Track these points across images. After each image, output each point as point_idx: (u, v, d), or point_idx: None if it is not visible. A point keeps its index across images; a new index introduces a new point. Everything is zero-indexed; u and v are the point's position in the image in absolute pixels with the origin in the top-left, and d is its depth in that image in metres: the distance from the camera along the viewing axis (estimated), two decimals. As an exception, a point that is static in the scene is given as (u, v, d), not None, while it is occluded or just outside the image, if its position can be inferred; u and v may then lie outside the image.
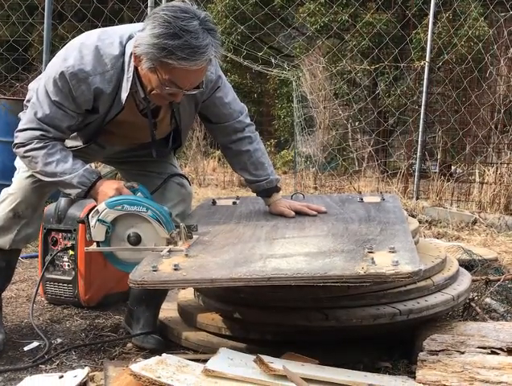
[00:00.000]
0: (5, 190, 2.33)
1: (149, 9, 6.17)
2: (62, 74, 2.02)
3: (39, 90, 2.09)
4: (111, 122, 2.17)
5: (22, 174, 2.28)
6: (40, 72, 5.93)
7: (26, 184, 2.26)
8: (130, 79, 2.04)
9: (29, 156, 2.10)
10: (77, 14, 7.71)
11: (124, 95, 2.06)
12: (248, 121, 2.36)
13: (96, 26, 6.61)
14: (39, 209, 2.36)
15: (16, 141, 2.12)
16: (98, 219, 2.02)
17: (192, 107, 2.26)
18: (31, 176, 2.24)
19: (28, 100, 2.26)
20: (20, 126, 2.12)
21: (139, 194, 2.09)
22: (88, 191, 2.09)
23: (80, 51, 2.04)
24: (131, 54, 2.02)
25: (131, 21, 6.99)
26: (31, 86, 2.31)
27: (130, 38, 2.06)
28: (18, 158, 2.34)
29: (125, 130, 2.24)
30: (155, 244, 2.03)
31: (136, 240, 2.04)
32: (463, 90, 7.20)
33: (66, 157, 2.09)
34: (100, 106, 2.10)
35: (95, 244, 2.07)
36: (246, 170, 2.36)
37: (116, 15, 6.94)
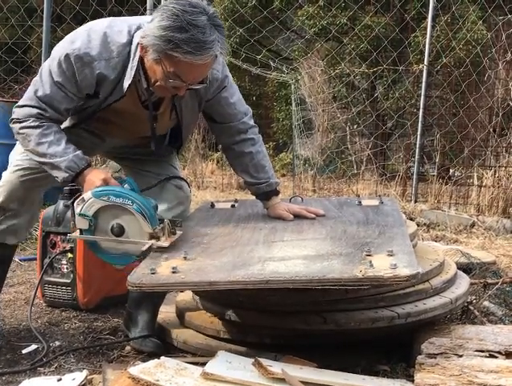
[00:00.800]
0: None
1: (148, 12, 6.16)
2: (67, 56, 2.03)
3: (43, 69, 2.10)
4: (111, 110, 2.16)
5: (11, 168, 2.30)
6: (39, 75, 5.94)
7: (14, 178, 2.27)
8: (135, 68, 2.05)
9: (23, 133, 2.11)
10: (76, 16, 7.71)
11: (126, 83, 2.07)
12: (252, 122, 2.38)
13: (95, 29, 6.64)
14: (27, 202, 2.34)
15: (13, 116, 2.13)
16: (80, 214, 2.02)
17: (195, 104, 2.26)
18: (19, 170, 2.26)
19: None
20: (19, 102, 2.13)
21: (126, 185, 2.09)
22: (76, 177, 2.09)
23: (88, 35, 2.05)
24: (138, 43, 2.03)
25: (130, 24, 7.00)
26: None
27: (138, 28, 2.07)
28: (11, 153, 2.35)
29: (125, 121, 2.24)
30: (138, 237, 2.02)
31: (119, 231, 2.04)
32: (461, 93, 7.22)
33: (59, 140, 2.09)
34: (101, 91, 2.10)
35: (78, 231, 2.07)
36: (247, 172, 2.37)
37: (115, 18, 6.93)
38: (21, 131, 2.11)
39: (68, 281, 2.84)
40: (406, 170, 7.26)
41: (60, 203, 2.88)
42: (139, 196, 2.05)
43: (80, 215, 2.02)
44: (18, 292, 3.13)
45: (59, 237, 2.86)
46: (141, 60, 2.05)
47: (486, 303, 2.77)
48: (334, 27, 9.22)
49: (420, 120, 6.64)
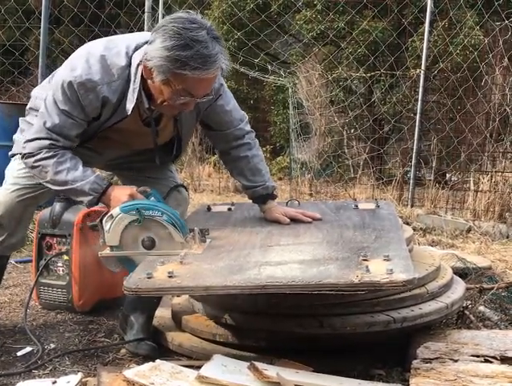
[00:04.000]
0: None
1: (146, 14, 6.17)
2: (70, 84, 2.03)
3: (48, 100, 2.09)
4: (111, 129, 2.17)
5: (8, 186, 2.28)
6: (36, 77, 5.91)
7: (11, 198, 2.26)
8: (137, 90, 2.06)
9: (39, 166, 2.09)
10: (74, 18, 7.69)
11: (130, 105, 2.07)
12: (248, 128, 2.39)
13: (93, 31, 6.65)
14: (24, 221, 2.36)
15: (25, 151, 2.11)
16: (109, 231, 2.00)
17: (193, 115, 2.27)
18: (17, 190, 2.25)
19: (31, 108, 2.27)
20: (28, 136, 2.12)
21: (152, 198, 2.09)
22: (100, 198, 2.09)
23: (87, 60, 2.05)
24: (138, 65, 2.04)
25: (128, 26, 6.99)
26: (35, 93, 2.31)
27: (136, 49, 2.08)
28: (8, 168, 2.33)
29: (124, 137, 2.25)
30: (170, 248, 2.02)
31: (150, 245, 2.03)
32: (458, 98, 7.22)
33: (76, 165, 2.10)
34: (103, 113, 2.11)
35: (108, 248, 2.06)
36: (243, 176, 2.38)
37: (113, 20, 6.93)
38: (36, 164, 2.10)
39: (64, 283, 2.84)
40: (402, 175, 7.26)
41: (56, 205, 2.88)
42: (168, 207, 2.06)
43: (109, 232, 2.01)
44: (13, 294, 3.12)
45: (54, 239, 2.86)
46: (142, 81, 2.05)
47: (482, 308, 2.78)
48: (332, 32, 9.23)
49: (417, 124, 6.65)
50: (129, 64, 2.06)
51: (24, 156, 2.12)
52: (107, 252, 2.07)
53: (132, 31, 6.51)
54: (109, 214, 2.04)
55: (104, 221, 2.04)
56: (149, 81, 2.04)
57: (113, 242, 2.04)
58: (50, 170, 2.08)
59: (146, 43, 2.05)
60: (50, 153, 2.08)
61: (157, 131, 2.24)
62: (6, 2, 7.85)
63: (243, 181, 2.40)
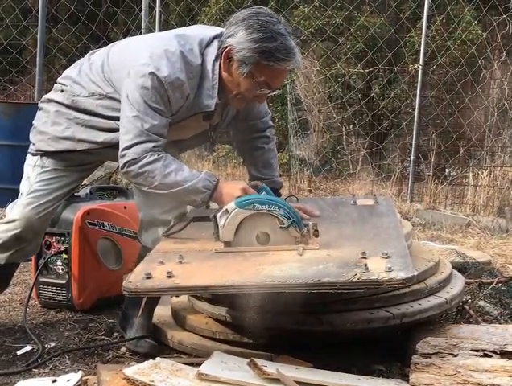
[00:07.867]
0: (10, 208, 2.31)
1: (143, 12, 6.16)
2: (161, 83, 2.02)
3: (135, 102, 2.04)
4: (172, 125, 2.15)
5: (28, 200, 2.25)
6: (34, 75, 5.90)
7: (32, 215, 2.25)
8: (216, 86, 2.08)
9: (145, 171, 2.05)
10: (71, 17, 7.67)
11: (212, 101, 2.09)
12: (270, 123, 2.46)
13: (90, 30, 6.64)
14: (41, 231, 2.38)
15: (126, 158, 2.05)
16: (224, 226, 1.94)
17: None
18: (38, 206, 2.23)
19: (65, 104, 2.21)
20: (126, 143, 2.05)
21: (263, 192, 2.07)
22: (212, 194, 2.07)
23: (168, 58, 2.05)
24: (213, 61, 2.07)
25: (126, 24, 6.98)
26: (73, 90, 2.23)
27: (208, 45, 2.10)
28: (27, 171, 2.29)
29: (175, 132, 2.21)
30: (284, 243, 1.96)
31: (265, 239, 1.97)
32: (456, 93, 7.22)
33: (180, 165, 2.09)
34: (179, 110, 2.12)
35: (222, 244, 1.99)
36: (255, 166, 2.43)
37: (110, 18, 6.91)
38: (141, 170, 2.05)
39: (63, 281, 2.84)
40: (401, 170, 7.26)
41: (55, 204, 2.87)
42: (283, 201, 2.00)
43: (224, 227, 1.97)
44: (13, 293, 3.12)
45: (54, 238, 2.85)
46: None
47: (481, 303, 2.78)
48: (330, 27, 9.22)
49: (416, 120, 6.64)
50: (203, 61, 2.09)
51: (126, 164, 2.05)
52: (221, 248, 1.99)
53: (129, 29, 6.52)
54: (223, 209, 1.96)
55: (218, 216, 1.96)
56: (224, 74, 2.09)
57: (228, 238, 1.96)
58: (158, 174, 2.04)
59: (215, 38, 2.10)
60: (155, 157, 2.04)
61: (210, 124, 2.27)
62: (3, 1, 7.84)
63: (253, 171, 2.43)
